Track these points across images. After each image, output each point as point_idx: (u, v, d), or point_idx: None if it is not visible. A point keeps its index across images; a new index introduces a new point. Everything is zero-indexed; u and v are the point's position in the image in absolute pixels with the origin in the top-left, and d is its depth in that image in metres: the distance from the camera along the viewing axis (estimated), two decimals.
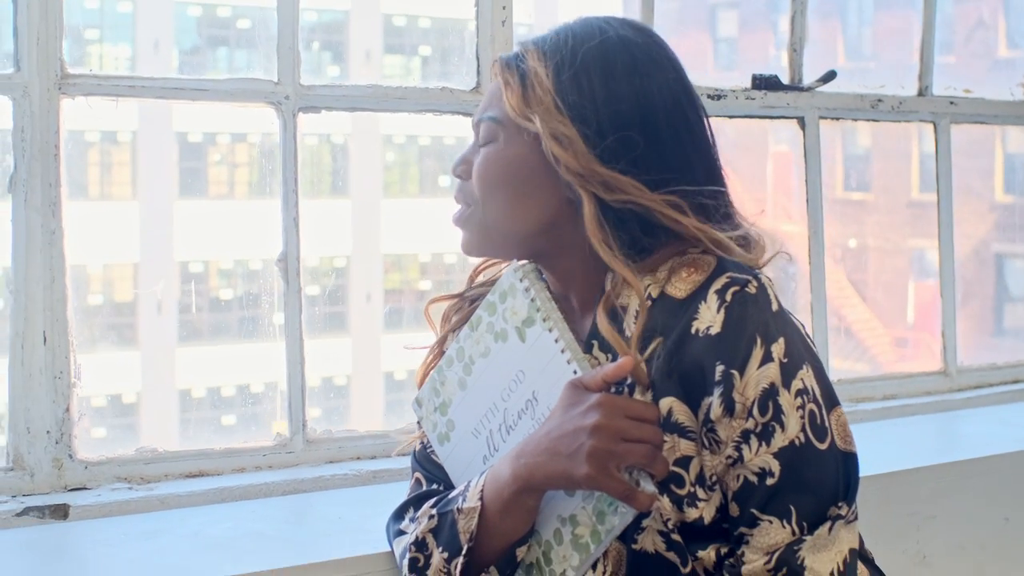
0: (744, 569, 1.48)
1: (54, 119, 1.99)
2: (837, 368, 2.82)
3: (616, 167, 1.53)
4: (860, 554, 1.66)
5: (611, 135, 1.54)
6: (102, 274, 14.64)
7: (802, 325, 1.58)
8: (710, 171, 1.61)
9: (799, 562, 1.46)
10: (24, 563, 1.73)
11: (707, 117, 1.65)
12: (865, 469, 2.14)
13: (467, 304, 1.78)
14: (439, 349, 1.77)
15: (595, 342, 1.58)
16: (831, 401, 1.54)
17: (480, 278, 1.79)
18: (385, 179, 15.53)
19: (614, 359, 1.54)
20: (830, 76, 2.71)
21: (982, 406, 2.84)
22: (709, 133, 1.64)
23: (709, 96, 2.58)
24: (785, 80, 2.70)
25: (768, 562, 1.47)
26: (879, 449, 2.43)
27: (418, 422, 1.76)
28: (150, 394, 14.94)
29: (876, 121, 2.84)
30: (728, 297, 1.48)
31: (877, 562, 1.99)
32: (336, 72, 16.99)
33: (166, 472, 2.08)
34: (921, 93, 2.89)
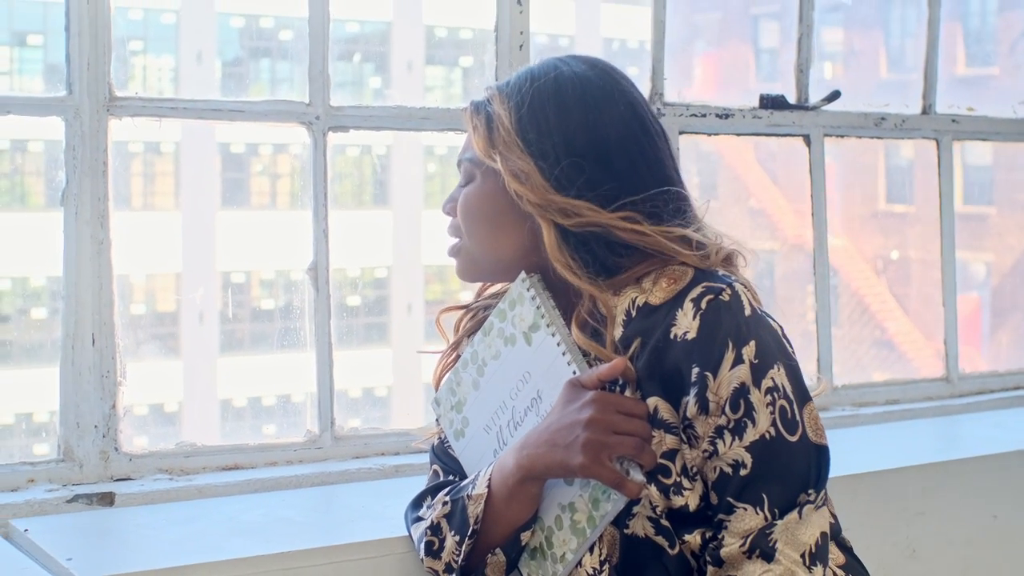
0: (722, 552, 1.63)
1: (102, 138, 2.16)
2: (876, 379, 2.97)
3: (570, 193, 1.69)
4: (838, 541, 1.81)
5: (563, 162, 1.70)
6: (145, 284, 14.88)
7: (780, 328, 1.72)
8: (663, 185, 1.73)
9: (771, 544, 1.61)
10: (74, 544, 1.89)
11: (663, 139, 1.78)
12: (858, 467, 2.31)
13: (480, 312, 1.93)
14: (453, 353, 1.93)
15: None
16: (803, 397, 1.67)
17: (489, 291, 1.95)
18: (426, 190, 15.68)
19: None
20: (834, 96, 2.86)
21: (981, 411, 2.97)
22: (666, 154, 1.77)
23: (717, 115, 2.73)
24: (792, 99, 2.84)
25: (743, 545, 1.62)
26: (874, 449, 2.57)
27: (436, 420, 1.92)
28: (192, 403, 15.17)
29: (880, 139, 2.98)
30: (703, 305, 1.63)
31: (867, 553, 2.14)
32: (378, 83, 17.14)
33: (204, 465, 2.24)
34: (925, 111, 3.03)
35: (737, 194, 16.55)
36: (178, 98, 2.25)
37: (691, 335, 1.63)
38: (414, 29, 16.72)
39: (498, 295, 1.90)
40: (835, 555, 1.78)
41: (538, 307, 1.76)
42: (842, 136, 2.91)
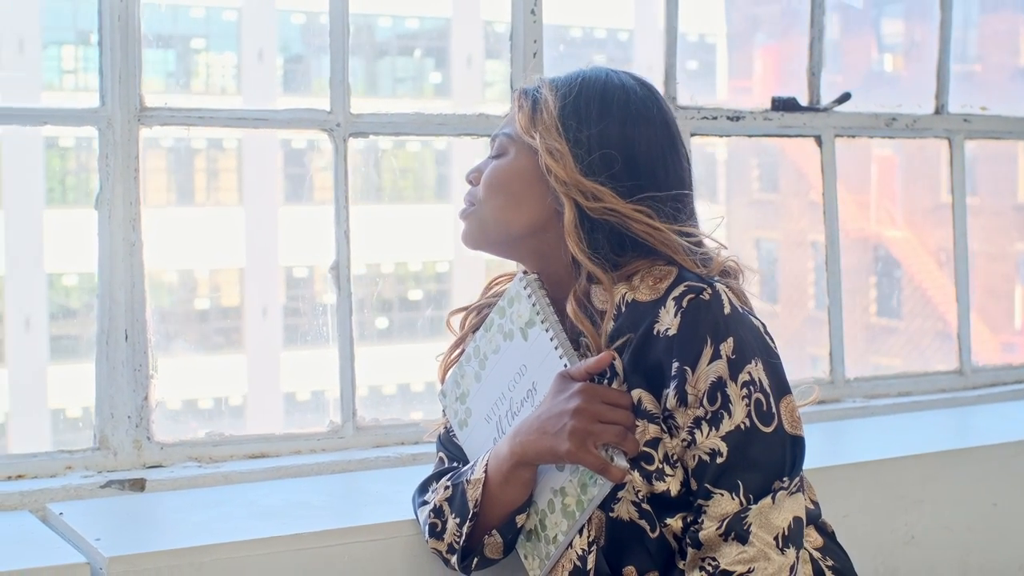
0: (701, 535, 1.74)
1: (134, 146, 2.29)
2: (936, 369, 3.08)
3: (596, 180, 1.81)
4: (818, 526, 1.92)
5: (598, 152, 1.82)
6: (208, 279, 15.12)
7: (762, 325, 1.83)
8: (681, 194, 1.87)
9: (745, 528, 1.71)
10: (104, 525, 2.02)
11: (687, 162, 1.93)
12: (859, 456, 2.40)
13: (484, 310, 2.05)
14: (457, 349, 2.05)
15: (583, 339, 1.86)
16: (781, 391, 1.78)
17: (493, 290, 2.07)
18: None
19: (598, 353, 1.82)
20: (845, 97, 2.94)
21: (993, 403, 3.05)
22: (688, 174, 1.91)
23: (728, 118, 2.83)
24: (804, 102, 2.93)
25: (719, 528, 1.72)
26: (878, 439, 2.67)
27: (443, 411, 2.05)
28: (256, 397, 15.39)
29: (892, 138, 3.07)
30: (684, 303, 1.74)
31: (865, 538, 2.25)
32: (438, 78, 17.27)
33: (231, 453, 2.37)
34: (937, 111, 3.11)
35: (797, 187, 16.55)
36: (204, 107, 2.37)
37: (672, 331, 1.74)
38: (473, 25, 16.83)
39: (501, 295, 2.02)
40: (813, 538, 1.89)
41: (534, 304, 1.87)
42: (853, 136, 2.99)
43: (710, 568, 1.72)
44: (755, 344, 1.77)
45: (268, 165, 15.43)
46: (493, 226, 1.92)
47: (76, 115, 2.31)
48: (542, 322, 1.87)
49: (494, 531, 1.87)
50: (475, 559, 1.89)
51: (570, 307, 1.85)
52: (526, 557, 1.90)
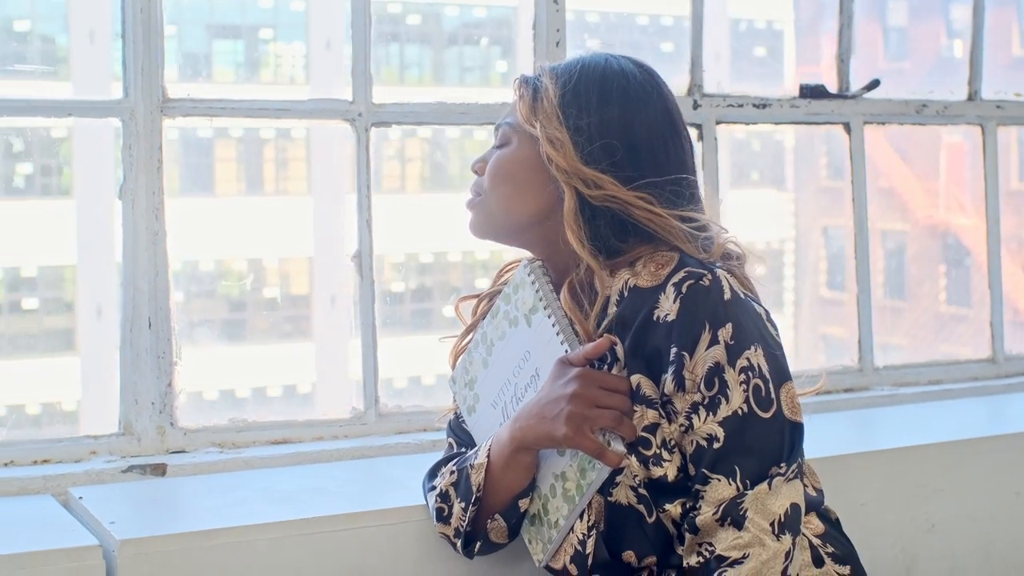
0: (698, 520, 1.75)
1: (157, 137, 2.33)
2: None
3: (597, 168, 1.83)
4: (820, 512, 1.93)
5: (597, 142, 1.84)
6: (278, 268, 15.25)
7: (765, 312, 1.84)
8: (681, 178, 1.88)
9: (741, 513, 1.72)
10: (121, 509, 2.07)
11: (689, 144, 1.93)
12: (878, 444, 2.41)
13: (494, 298, 2.08)
14: (467, 336, 2.08)
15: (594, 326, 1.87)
16: (782, 377, 1.79)
17: (503, 279, 2.09)
18: None
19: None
20: (874, 84, 2.94)
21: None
22: (690, 157, 1.92)
23: (754, 105, 2.83)
24: (832, 89, 2.93)
25: (716, 513, 1.73)
26: (900, 427, 2.67)
27: (453, 397, 2.08)
28: (324, 385, 15.51)
29: (922, 124, 3.05)
30: (683, 289, 1.75)
31: (884, 527, 2.25)
32: (504, 67, 17.29)
33: (254, 439, 2.41)
34: (971, 97, 3.09)
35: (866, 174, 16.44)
36: (227, 98, 2.41)
37: (671, 317, 1.75)
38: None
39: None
40: (814, 525, 1.90)
41: (537, 291, 1.89)
42: (883, 123, 2.99)
43: (707, 553, 1.73)
44: (755, 330, 1.78)
45: (336, 154, 15.52)
46: (499, 215, 1.94)
47: (100, 107, 2.35)
48: (545, 308, 1.89)
49: (497, 515, 1.89)
50: (479, 543, 1.91)
51: (563, 295, 1.87)
52: (530, 541, 1.92)
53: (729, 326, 1.75)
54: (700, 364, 1.74)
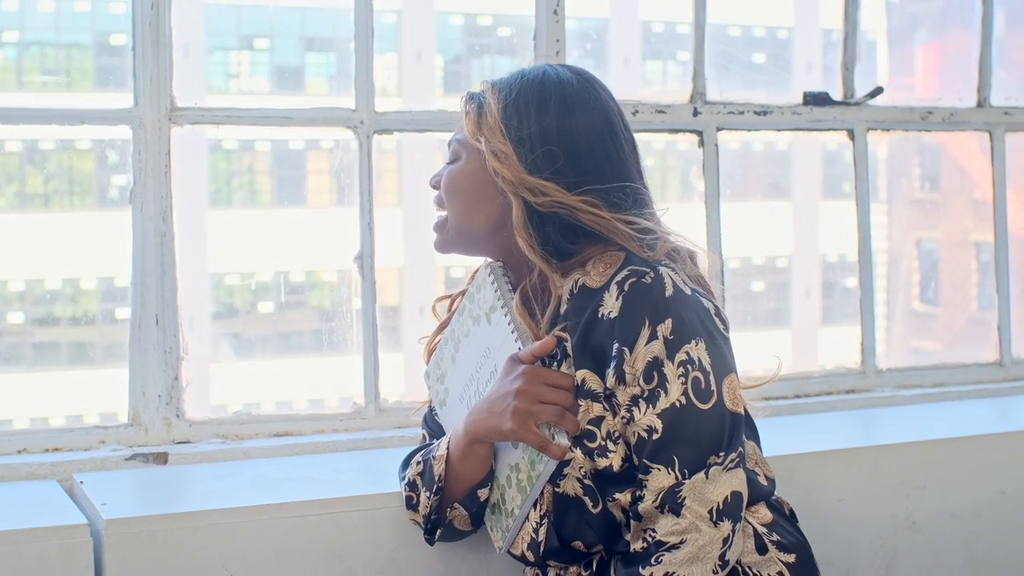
0: (640, 508, 1.84)
1: (165, 144, 2.46)
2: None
3: (541, 176, 1.92)
4: (771, 503, 2.00)
5: (539, 150, 1.93)
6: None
7: (714, 307, 1.93)
8: (624, 185, 1.96)
9: (679, 500, 1.81)
10: (117, 493, 2.20)
11: (631, 147, 2.01)
12: (859, 441, 2.47)
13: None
14: (441, 332, 2.18)
15: (547, 324, 1.97)
16: (725, 370, 1.87)
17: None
18: None
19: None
20: (877, 91, 2.99)
21: None
22: (631, 159, 2.00)
23: (755, 112, 2.89)
24: (837, 96, 2.99)
25: (655, 501, 1.82)
26: (888, 426, 2.73)
27: (428, 391, 2.19)
28: (411, 396, 15.66)
29: (928, 131, 3.11)
30: (626, 287, 1.85)
31: (865, 522, 2.32)
32: None
33: (257, 431, 2.53)
34: (980, 104, 3.14)
35: (961, 185, 16.25)
36: (233, 107, 2.54)
37: (614, 314, 1.85)
38: (631, 24, 16.88)
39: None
40: (761, 515, 1.97)
41: (496, 290, 2.00)
42: (887, 130, 3.04)
43: (649, 539, 1.82)
44: (698, 324, 1.86)
45: (424, 165, 15.67)
46: (455, 229, 2.04)
47: (111, 115, 2.49)
48: (502, 307, 1.99)
49: (457, 504, 2.00)
50: (440, 531, 2.02)
51: (515, 300, 1.96)
52: (492, 529, 2.02)
53: (669, 321, 1.83)
54: (640, 359, 1.83)
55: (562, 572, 1.99)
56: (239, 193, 15.06)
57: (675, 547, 1.80)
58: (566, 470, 1.90)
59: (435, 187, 2.08)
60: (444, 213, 2.06)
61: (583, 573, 1.97)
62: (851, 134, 3.00)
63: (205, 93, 14.30)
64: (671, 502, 1.81)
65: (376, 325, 2.62)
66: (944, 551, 2.57)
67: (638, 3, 16.81)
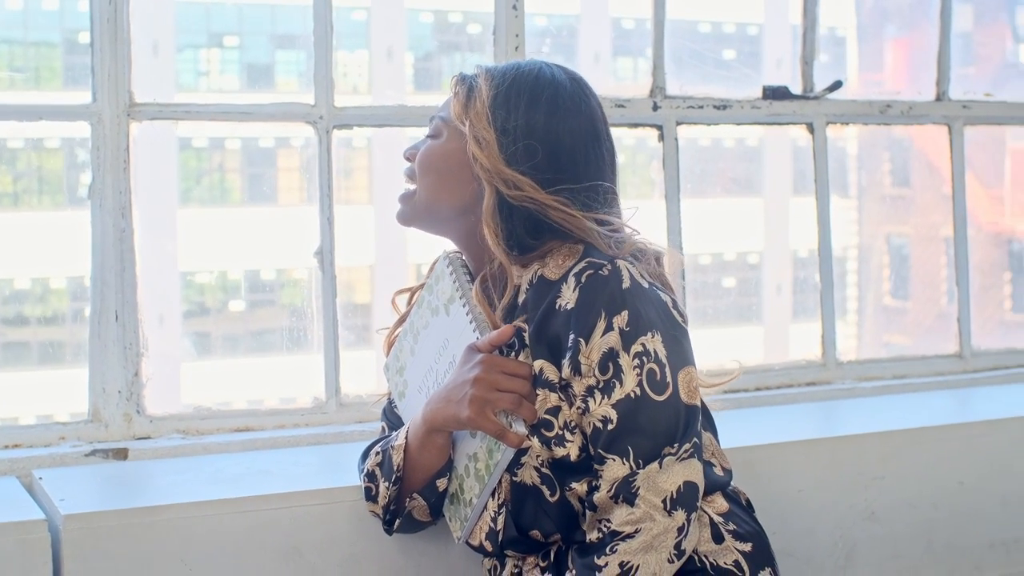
0: (595, 497, 1.85)
1: (124, 139, 2.46)
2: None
3: (518, 169, 1.93)
4: (727, 494, 2.01)
5: (520, 143, 1.94)
6: (338, 277, 15.40)
7: (671, 301, 1.94)
8: (597, 185, 1.98)
9: (633, 491, 1.82)
10: (75, 489, 2.19)
11: (611, 155, 2.03)
12: (817, 433, 2.48)
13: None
14: (400, 326, 2.19)
15: (503, 314, 1.98)
16: (681, 362, 1.89)
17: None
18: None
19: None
20: (836, 85, 3.01)
21: (990, 385, 3.09)
22: (609, 166, 2.02)
23: (715, 107, 2.91)
24: (796, 90, 3.00)
25: (610, 491, 1.84)
26: (845, 418, 2.74)
27: (387, 383, 2.19)
28: (378, 392, 15.62)
29: (887, 124, 3.13)
30: (583, 279, 1.86)
31: (823, 513, 2.34)
32: None
33: (218, 427, 2.53)
34: (939, 98, 3.16)
35: (930, 181, 16.32)
36: (191, 102, 2.54)
37: (570, 305, 1.86)
38: (601, 21, 16.86)
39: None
40: (717, 504, 1.98)
41: (454, 281, 2.01)
42: (846, 124, 3.06)
43: (604, 529, 1.83)
44: (655, 317, 1.88)
45: (396, 163, 15.62)
46: (422, 204, 2.04)
47: (69, 111, 2.49)
48: (460, 298, 1.99)
49: (416, 494, 2.00)
50: (399, 521, 2.03)
51: (475, 289, 1.97)
52: (450, 519, 2.03)
53: (625, 313, 1.85)
54: (595, 350, 1.84)
55: (520, 563, 2.00)
56: (209, 191, 15.01)
57: (630, 536, 1.81)
58: (523, 459, 1.92)
59: (409, 159, 2.09)
60: (413, 186, 2.07)
61: (541, 564, 1.98)
62: (810, 128, 3.02)
63: (175, 91, 14.23)
64: (625, 492, 1.82)
65: (336, 319, 2.62)
66: (903, 541, 2.58)
67: (608, 0, 16.82)
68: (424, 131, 2.11)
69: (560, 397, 1.89)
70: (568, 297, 1.87)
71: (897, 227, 17.01)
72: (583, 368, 1.85)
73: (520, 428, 1.87)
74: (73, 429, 2.44)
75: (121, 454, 2.40)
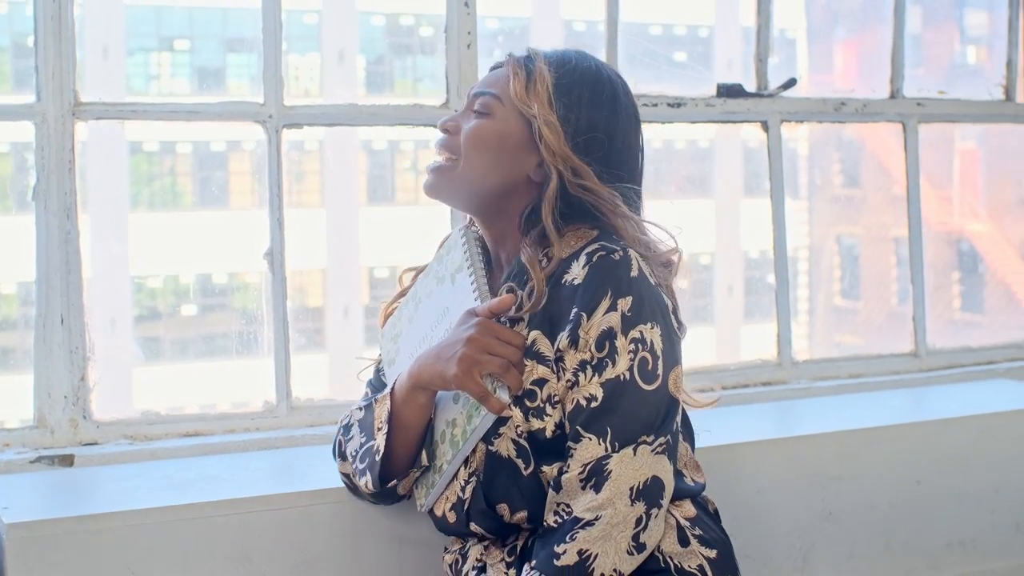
0: (563, 477, 1.85)
1: (69, 139, 2.41)
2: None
3: (583, 159, 1.95)
4: (697, 501, 2.00)
5: (584, 135, 1.96)
6: (291, 280, 15.33)
7: (672, 306, 1.97)
8: (638, 192, 2.04)
9: (605, 473, 1.81)
10: (20, 496, 2.15)
11: (643, 158, 2.08)
12: (773, 433, 2.46)
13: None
14: (400, 299, 2.19)
15: (510, 283, 1.98)
16: (673, 360, 1.90)
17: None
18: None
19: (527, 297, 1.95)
20: (791, 83, 2.99)
21: (944, 384, 3.08)
22: (641, 170, 2.07)
23: (669, 104, 2.89)
24: (751, 88, 2.99)
25: (581, 472, 1.83)
26: (801, 418, 2.73)
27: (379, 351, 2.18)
28: (338, 398, 15.57)
29: (841, 123, 3.11)
30: (594, 259, 1.88)
31: (781, 513, 2.32)
32: None
33: (167, 432, 2.49)
34: (893, 96, 3.15)
35: (880, 181, 16.41)
36: (138, 102, 2.49)
37: (578, 281, 1.88)
38: (552, 23, 16.88)
39: None
40: (685, 509, 1.98)
41: (466, 253, 2.01)
42: (801, 121, 3.04)
43: (564, 514, 1.83)
44: (656, 310, 1.89)
45: (350, 166, 15.60)
46: (466, 179, 2.01)
47: (12, 111, 2.43)
48: (468, 268, 2.00)
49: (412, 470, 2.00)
50: (395, 482, 2.01)
51: (526, 254, 1.96)
52: (416, 486, 2.00)
53: (629, 298, 1.86)
54: (596, 326, 1.85)
55: (483, 555, 1.98)
56: (161, 195, 14.91)
57: (590, 524, 1.80)
58: (502, 429, 1.91)
59: (448, 131, 2.05)
60: (449, 158, 2.03)
61: (507, 559, 1.96)
62: (765, 126, 3.00)
63: (126, 94, 14.13)
64: (597, 473, 1.82)
65: (287, 323, 2.58)
66: (861, 542, 2.57)
67: (560, 2, 16.84)
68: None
69: (551, 370, 1.89)
70: (576, 273, 1.88)
71: (848, 227, 17.11)
72: (580, 342, 1.86)
73: (504, 395, 1.87)
74: (18, 435, 2.39)
75: (67, 460, 2.35)
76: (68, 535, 2.00)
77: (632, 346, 1.84)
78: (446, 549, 2.07)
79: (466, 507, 1.95)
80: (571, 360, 1.86)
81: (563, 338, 1.86)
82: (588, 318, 1.85)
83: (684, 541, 1.93)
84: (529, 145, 1.98)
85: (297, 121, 2.59)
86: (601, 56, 2.75)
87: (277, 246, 2.57)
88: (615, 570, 1.79)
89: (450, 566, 2.05)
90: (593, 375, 1.84)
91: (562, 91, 1.97)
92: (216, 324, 14.37)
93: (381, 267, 15.46)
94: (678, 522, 1.95)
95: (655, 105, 2.88)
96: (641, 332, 1.85)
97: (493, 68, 2.09)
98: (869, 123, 3.16)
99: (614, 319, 1.84)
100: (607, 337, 1.84)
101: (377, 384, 2.18)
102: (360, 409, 2.05)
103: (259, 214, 2.63)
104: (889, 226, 16.38)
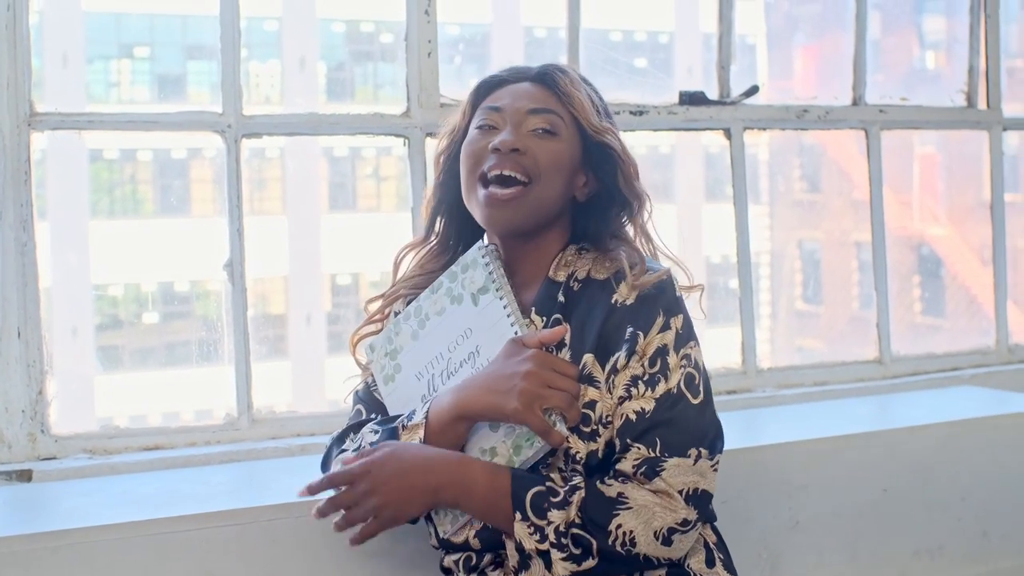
0: (618, 466, 1.85)
1: (24, 151, 2.38)
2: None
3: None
4: (714, 527, 2.00)
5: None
6: (252, 287, 15.27)
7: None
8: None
9: (659, 469, 1.82)
10: None
11: None
12: (739, 442, 2.44)
13: (403, 295, 2.12)
14: (373, 326, 2.13)
15: (533, 308, 1.98)
16: (708, 379, 1.93)
17: (400, 279, 2.14)
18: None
19: (547, 325, 1.95)
20: (753, 90, 2.99)
21: (909, 391, 3.08)
22: None
23: (631, 112, 2.87)
24: (713, 95, 2.98)
25: (635, 464, 1.83)
26: (766, 427, 2.71)
27: (367, 365, 2.11)
28: (301, 404, 15.50)
29: (804, 130, 3.11)
30: (639, 280, 1.90)
31: (747, 524, 2.31)
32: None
33: (127, 445, 2.46)
34: (855, 103, 3.14)
35: (840, 186, 16.47)
36: (96, 112, 2.46)
37: (629, 302, 1.90)
38: (512, 30, 16.87)
39: (408, 281, 2.11)
40: (708, 534, 1.98)
41: (490, 272, 1.97)
42: (764, 129, 3.03)
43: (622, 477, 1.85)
44: (693, 331, 1.93)
45: (312, 174, 15.53)
46: (543, 203, 1.99)
47: None
48: (496, 290, 1.96)
49: None
50: None
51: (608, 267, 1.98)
52: (436, 513, 1.95)
53: (680, 317, 1.90)
54: (651, 344, 1.88)
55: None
56: (122, 203, 14.81)
57: (643, 487, 1.82)
58: (550, 459, 1.89)
59: (518, 148, 1.97)
60: (521, 182, 1.97)
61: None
62: (727, 133, 2.99)
63: (86, 102, 14.04)
64: (650, 468, 1.83)
65: (247, 333, 2.55)
66: (827, 550, 2.56)
67: (520, 9, 16.83)
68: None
69: (602, 392, 1.88)
70: (625, 294, 1.90)
71: (809, 232, 17.17)
72: (635, 359, 1.87)
73: (563, 428, 1.86)
74: None
75: (25, 476, 2.32)
76: (26, 552, 1.96)
77: (683, 362, 1.88)
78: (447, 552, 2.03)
79: (490, 534, 1.91)
80: (622, 377, 1.87)
81: (621, 357, 1.88)
82: (644, 336, 1.87)
83: (711, 562, 1.96)
84: (579, 165, 2.01)
85: (256, 131, 2.56)
86: (563, 63, 2.75)
87: (237, 257, 2.54)
88: (632, 532, 1.80)
89: (456, 563, 1.99)
90: (646, 389, 1.86)
91: (594, 108, 2.02)
92: (178, 332, 14.27)
93: (343, 274, 15.41)
94: (707, 542, 1.97)
95: (617, 113, 2.86)
96: (689, 350, 1.89)
97: (513, 73, 2.06)
98: (832, 130, 3.15)
99: (669, 337, 1.88)
100: (661, 354, 1.87)
101: (368, 399, 2.10)
102: (375, 432, 1.96)
103: (220, 222, 2.60)
104: (850, 231, 16.44)
